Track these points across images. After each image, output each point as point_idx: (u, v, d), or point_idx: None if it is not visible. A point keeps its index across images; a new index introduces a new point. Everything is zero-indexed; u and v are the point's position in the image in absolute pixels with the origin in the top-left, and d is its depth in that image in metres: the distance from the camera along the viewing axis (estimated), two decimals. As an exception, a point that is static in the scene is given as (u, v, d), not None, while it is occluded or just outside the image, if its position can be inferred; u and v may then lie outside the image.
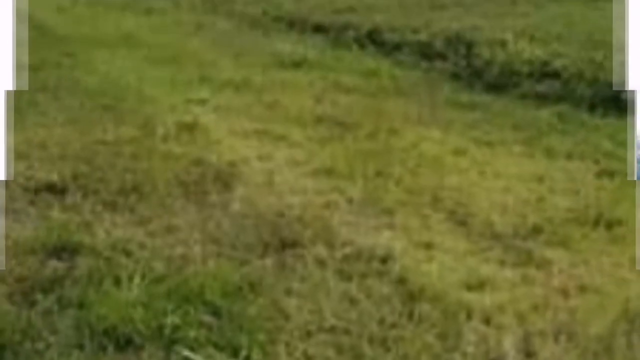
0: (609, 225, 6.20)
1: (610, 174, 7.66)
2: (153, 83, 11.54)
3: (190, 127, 8.83)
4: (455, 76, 12.94)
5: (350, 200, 6.68)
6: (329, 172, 7.44)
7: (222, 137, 8.69)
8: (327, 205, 6.56)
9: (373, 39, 16.28)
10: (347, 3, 22.62)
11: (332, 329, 4.60)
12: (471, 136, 9.11)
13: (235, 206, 6.42)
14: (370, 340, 4.50)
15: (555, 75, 11.69)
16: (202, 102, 10.46)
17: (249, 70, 13.05)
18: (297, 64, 13.84)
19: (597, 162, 8.12)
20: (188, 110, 9.86)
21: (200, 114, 9.70)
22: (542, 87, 11.46)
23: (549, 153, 8.46)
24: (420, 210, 6.51)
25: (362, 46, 15.94)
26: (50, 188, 6.60)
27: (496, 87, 11.91)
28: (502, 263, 5.57)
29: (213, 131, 8.91)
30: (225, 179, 7.06)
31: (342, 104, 10.64)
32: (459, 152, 8.37)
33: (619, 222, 6.23)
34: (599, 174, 7.72)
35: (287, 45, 15.96)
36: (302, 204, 6.55)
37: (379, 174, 7.36)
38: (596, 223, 6.24)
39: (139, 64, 13.35)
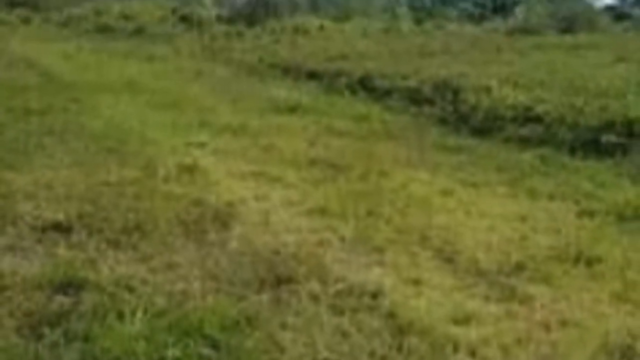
0: (589, 263, 6.23)
1: (590, 214, 7.70)
2: (155, 127, 11.57)
3: (190, 169, 8.85)
4: (442, 121, 13.02)
5: (342, 239, 6.70)
6: (322, 211, 7.47)
7: (220, 179, 8.72)
8: (321, 243, 6.58)
9: (364, 85, 16.38)
10: (340, 51, 22.81)
11: (325, 361, 4.63)
12: (457, 178, 9.15)
13: (233, 244, 6.43)
14: (362, 372, 4.52)
15: (538, 119, 11.76)
16: (202, 145, 10.49)
17: (246, 114, 13.11)
18: (292, 109, 13.90)
19: (577, 202, 8.16)
20: (188, 152, 9.89)
21: (200, 156, 9.72)
22: (525, 131, 11.52)
23: (532, 194, 8.50)
24: (409, 248, 6.53)
25: (353, 92, 16.03)
26: (57, 227, 6.61)
27: (481, 131, 11.98)
28: (487, 298, 5.59)
29: (212, 173, 8.94)
30: (224, 219, 7.07)
31: (334, 146, 10.68)
32: (446, 192, 8.40)
33: (599, 260, 6.26)
34: (580, 214, 7.76)
35: (282, 91, 16.05)
36: (296, 242, 6.56)
37: (369, 213, 7.39)
38: (577, 260, 6.26)
39: (142, 108, 13.39)
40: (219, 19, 40.27)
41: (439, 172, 9.41)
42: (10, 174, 8.25)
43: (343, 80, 17.02)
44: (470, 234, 6.94)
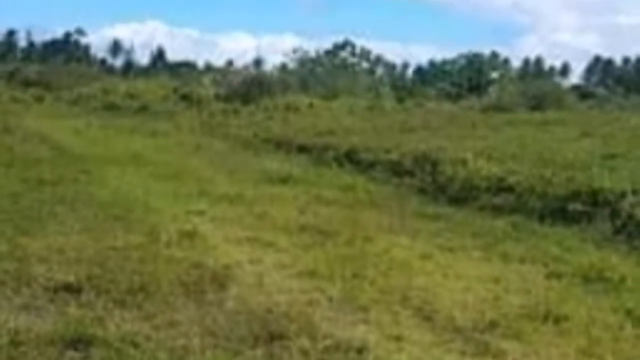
0: (557, 321, 6.28)
1: (558, 276, 7.76)
2: (158, 196, 11.63)
3: (190, 235, 8.89)
4: (422, 190, 13.11)
5: (330, 299, 6.74)
6: (312, 274, 7.51)
7: (218, 244, 8.76)
8: (310, 303, 6.61)
9: (350, 158, 16.51)
10: (328, 127, 22.97)
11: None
12: (436, 243, 9.21)
13: (230, 304, 6.47)
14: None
15: (510, 189, 11.86)
16: (201, 213, 10.54)
17: (242, 185, 13.18)
18: (284, 180, 13.99)
19: (546, 265, 8.22)
20: (188, 220, 9.93)
21: (199, 223, 9.77)
22: (498, 200, 11.62)
23: (504, 257, 8.56)
24: (392, 307, 6.57)
25: (340, 164, 16.15)
26: (68, 287, 6.64)
27: (458, 200, 12.08)
28: (463, 353, 5.63)
29: (210, 238, 8.98)
30: (221, 280, 7.11)
31: (323, 214, 10.75)
32: (425, 256, 8.46)
33: (566, 318, 6.31)
34: (548, 276, 7.81)
35: (275, 163, 16.16)
36: (288, 301, 6.60)
37: (355, 275, 7.43)
38: (545, 318, 6.31)
39: (146, 179, 13.46)
40: (217, 97, 40.60)
41: (419, 238, 9.47)
42: (25, 239, 8.28)
43: (331, 153, 17.15)
44: (447, 294, 6.98)
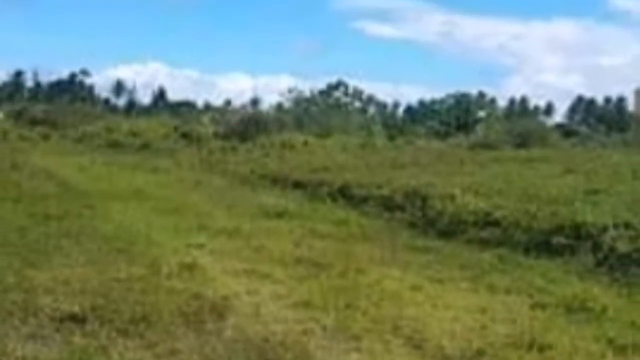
0: (541, 349, 6.31)
1: (542, 306, 7.78)
2: (159, 230, 11.64)
3: (190, 267, 8.90)
4: (412, 224, 13.13)
5: (324, 328, 6.76)
6: (307, 304, 7.52)
7: (217, 276, 8.78)
8: (305, 332, 6.63)
9: (343, 194, 16.55)
10: (322, 163, 23.01)
11: None
12: (425, 275, 9.24)
13: (228, 333, 6.49)
14: None
15: (496, 223, 11.89)
16: (200, 246, 10.56)
17: (240, 219, 13.20)
18: (280, 214, 14.02)
19: (531, 296, 8.25)
20: (188, 253, 9.94)
21: (199, 256, 9.78)
22: (484, 234, 11.65)
23: (491, 289, 8.59)
24: (383, 336, 6.59)
25: (334, 199, 16.18)
26: (73, 317, 6.64)
27: (446, 234, 12.11)
28: (451, 380, 5.65)
29: (209, 270, 8.99)
30: (220, 311, 7.12)
31: (317, 247, 10.77)
32: (415, 288, 8.48)
33: (550, 347, 6.34)
34: (533, 306, 7.84)
35: (271, 198, 16.20)
36: (284, 331, 6.62)
37: (348, 306, 7.45)
38: (530, 347, 6.34)
39: (148, 214, 13.48)
40: (216, 135, 40.70)
41: (409, 270, 9.49)
42: (32, 271, 8.29)
43: (325, 189, 17.18)
44: (436, 324, 7.00)
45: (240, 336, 6.41)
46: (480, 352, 6.19)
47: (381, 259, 10.18)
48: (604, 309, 7.60)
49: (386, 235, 12.23)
